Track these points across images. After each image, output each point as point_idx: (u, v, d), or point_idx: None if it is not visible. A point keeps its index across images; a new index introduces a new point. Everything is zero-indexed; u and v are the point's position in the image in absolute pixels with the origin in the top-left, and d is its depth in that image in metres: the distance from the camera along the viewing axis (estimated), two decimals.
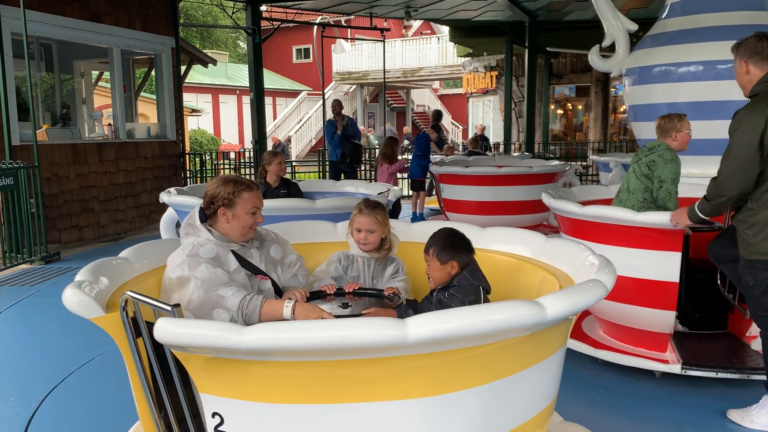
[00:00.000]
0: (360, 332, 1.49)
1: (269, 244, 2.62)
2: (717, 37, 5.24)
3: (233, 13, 12.43)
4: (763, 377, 3.34)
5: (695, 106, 5.25)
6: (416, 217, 9.13)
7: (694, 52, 5.34)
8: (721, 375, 3.41)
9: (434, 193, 9.46)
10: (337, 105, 9.75)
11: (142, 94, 13.42)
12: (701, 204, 3.13)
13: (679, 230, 3.44)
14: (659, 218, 3.48)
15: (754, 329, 3.60)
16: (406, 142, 23.99)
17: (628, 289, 3.58)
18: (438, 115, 10.89)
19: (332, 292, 2.57)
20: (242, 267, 2.42)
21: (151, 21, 9.65)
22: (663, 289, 3.53)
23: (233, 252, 2.43)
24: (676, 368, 3.47)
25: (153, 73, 10.74)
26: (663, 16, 5.82)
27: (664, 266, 3.53)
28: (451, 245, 2.45)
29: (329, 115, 10.09)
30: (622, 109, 16.97)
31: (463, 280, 2.41)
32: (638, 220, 3.50)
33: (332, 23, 18.58)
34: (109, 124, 9.69)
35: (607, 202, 4.41)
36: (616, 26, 6.02)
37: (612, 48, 6.12)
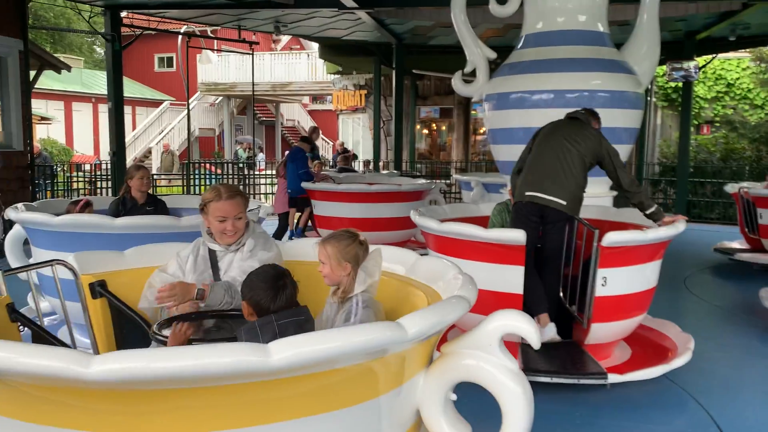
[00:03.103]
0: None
1: (241, 252, 2.76)
2: (566, 68, 5.66)
3: (90, 17, 11.66)
4: (591, 381, 3.76)
5: None
6: (293, 234, 8.98)
7: (545, 82, 5.71)
8: (555, 380, 3.71)
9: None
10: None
11: None
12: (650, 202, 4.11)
13: (522, 245, 3.75)
14: (502, 234, 3.82)
15: (591, 337, 3.97)
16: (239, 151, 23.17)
17: (481, 301, 3.78)
18: (313, 131, 10.87)
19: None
20: (210, 268, 2.76)
21: None
22: (510, 300, 3.79)
23: (215, 252, 2.79)
24: None
25: None
26: (519, 46, 6.18)
27: (511, 279, 3.85)
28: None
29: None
30: (482, 131, 17.88)
31: (267, 324, 2.08)
32: (484, 236, 3.81)
33: (198, 33, 18.05)
34: None
35: (475, 220, 4.64)
36: (477, 53, 6.29)
37: (474, 73, 6.40)
